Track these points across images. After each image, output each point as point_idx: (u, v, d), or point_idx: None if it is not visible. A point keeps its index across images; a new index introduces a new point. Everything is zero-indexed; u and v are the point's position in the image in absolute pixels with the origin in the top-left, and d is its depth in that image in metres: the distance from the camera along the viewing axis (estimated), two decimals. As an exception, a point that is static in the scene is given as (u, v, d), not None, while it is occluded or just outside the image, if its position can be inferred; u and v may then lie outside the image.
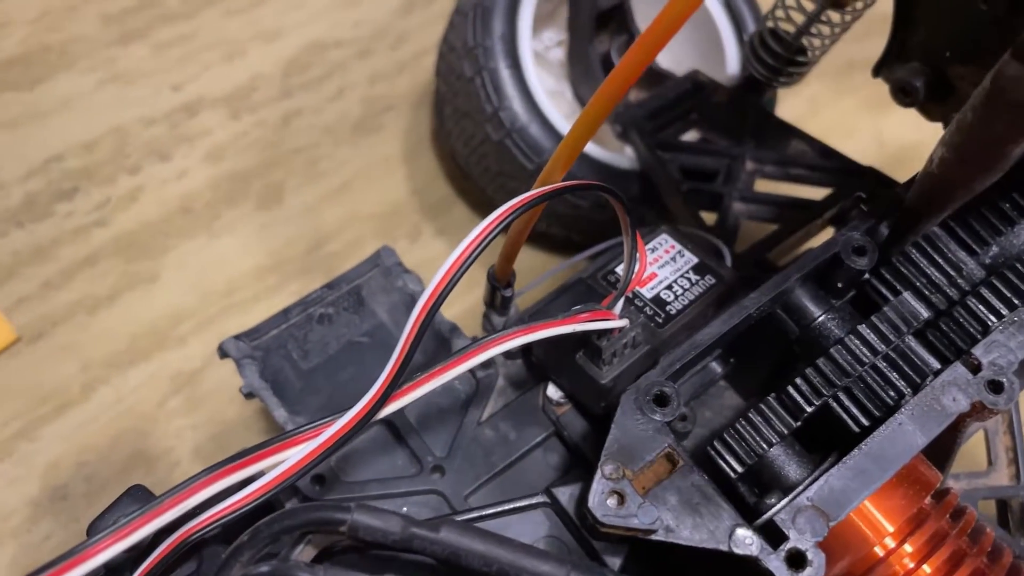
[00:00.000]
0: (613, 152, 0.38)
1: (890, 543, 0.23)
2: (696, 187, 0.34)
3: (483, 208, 0.43)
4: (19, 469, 0.36)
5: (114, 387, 0.38)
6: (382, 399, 0.23)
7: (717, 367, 0.29)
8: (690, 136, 0.38)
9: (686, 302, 0.27)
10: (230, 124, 0.45)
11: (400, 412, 0.31)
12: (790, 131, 0.36)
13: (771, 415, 0.25)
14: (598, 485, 0.21)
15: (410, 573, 0.23)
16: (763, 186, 0.36)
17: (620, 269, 0.28)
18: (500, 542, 0.20)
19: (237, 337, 0.29)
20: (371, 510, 0.21)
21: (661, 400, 0.23)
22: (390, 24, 0.48)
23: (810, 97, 0.49)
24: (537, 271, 0.41)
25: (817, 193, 0.35)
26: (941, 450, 0.27)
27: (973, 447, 0.32)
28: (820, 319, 0.26)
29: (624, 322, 0.25)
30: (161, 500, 0.22)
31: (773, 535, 0.22)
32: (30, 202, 0.41)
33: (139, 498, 0.22)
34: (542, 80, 0.41)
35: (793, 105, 0.48)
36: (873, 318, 0.25)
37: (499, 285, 0.30)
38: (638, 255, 0.25)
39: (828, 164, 0.35)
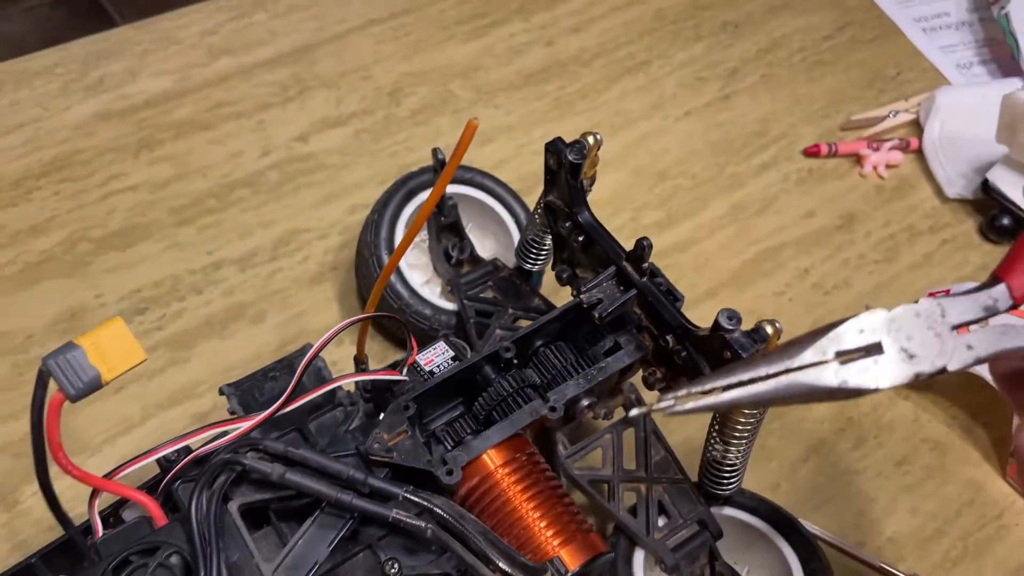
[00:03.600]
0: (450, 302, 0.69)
1: (499, 470, 0.51)
2: (479, 321, 0.64)
3: (383, 331, 0.73)
4: None
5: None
6: (280, 408, 0.51)
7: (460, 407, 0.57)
8: (488, 293, 0.68)
9: (441, 373, 0.56)
10: (239, 275, 0.75)
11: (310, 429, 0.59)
12: (536, 294, 0.67)
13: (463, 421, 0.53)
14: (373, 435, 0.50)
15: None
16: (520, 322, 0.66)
17: (418, 357, 0.58)
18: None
19: (229, 384, 0.58)
20: (261, 462, 0.49)
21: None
22: (339, 220, 0.80)
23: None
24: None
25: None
26: (547, 443, 0.55)
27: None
28: (495, 381, 0.54)
29: (404, 377, 0.54)
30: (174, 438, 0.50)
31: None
32: (120, 316, 0.72)
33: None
34: (416, 257, 0.72)
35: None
36: (500, 379, 0.54)
37: (362, 363, 0.59)
38: (412, 347, 0.54)
39: (547, 310, 0.65)
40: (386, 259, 0.66)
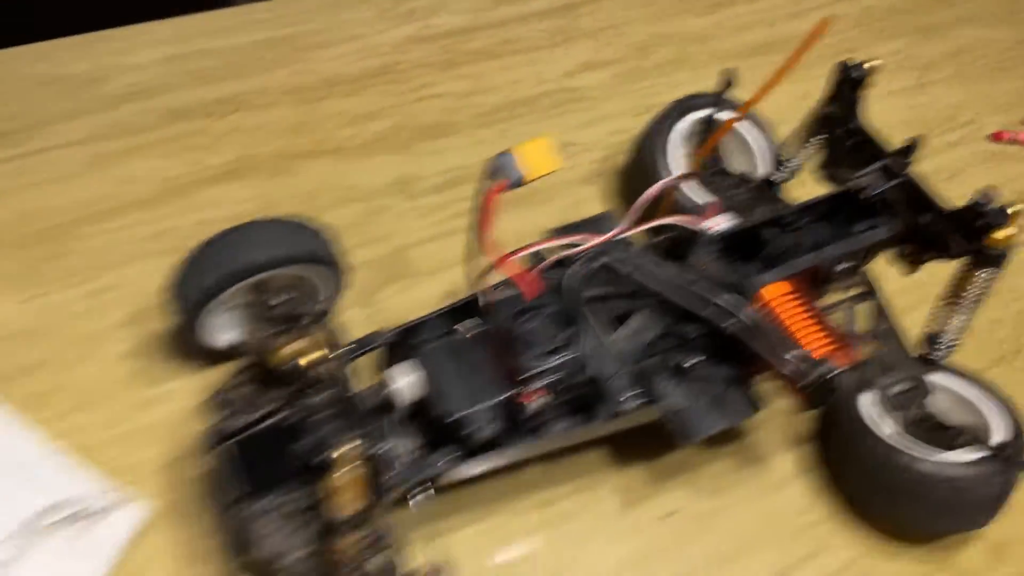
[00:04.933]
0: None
1: (782, 296, 0.67)
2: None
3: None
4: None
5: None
6: (624, 231, 0.68)
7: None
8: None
9: (742, 222, 0.73)
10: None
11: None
12: (779, 200, 0.82)
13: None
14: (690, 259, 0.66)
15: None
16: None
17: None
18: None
19: (555, 229, 0.75)
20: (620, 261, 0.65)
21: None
22: (601, 139, 0.96)
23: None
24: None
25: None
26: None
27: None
28: (777, 236, 0.71)
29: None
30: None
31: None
32: (444, 185, 0.90)
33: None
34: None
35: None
36: (782, 234, 0.70)
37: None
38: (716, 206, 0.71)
39: (796, 211, 0.81)
40: (660, 166, 0.82)
